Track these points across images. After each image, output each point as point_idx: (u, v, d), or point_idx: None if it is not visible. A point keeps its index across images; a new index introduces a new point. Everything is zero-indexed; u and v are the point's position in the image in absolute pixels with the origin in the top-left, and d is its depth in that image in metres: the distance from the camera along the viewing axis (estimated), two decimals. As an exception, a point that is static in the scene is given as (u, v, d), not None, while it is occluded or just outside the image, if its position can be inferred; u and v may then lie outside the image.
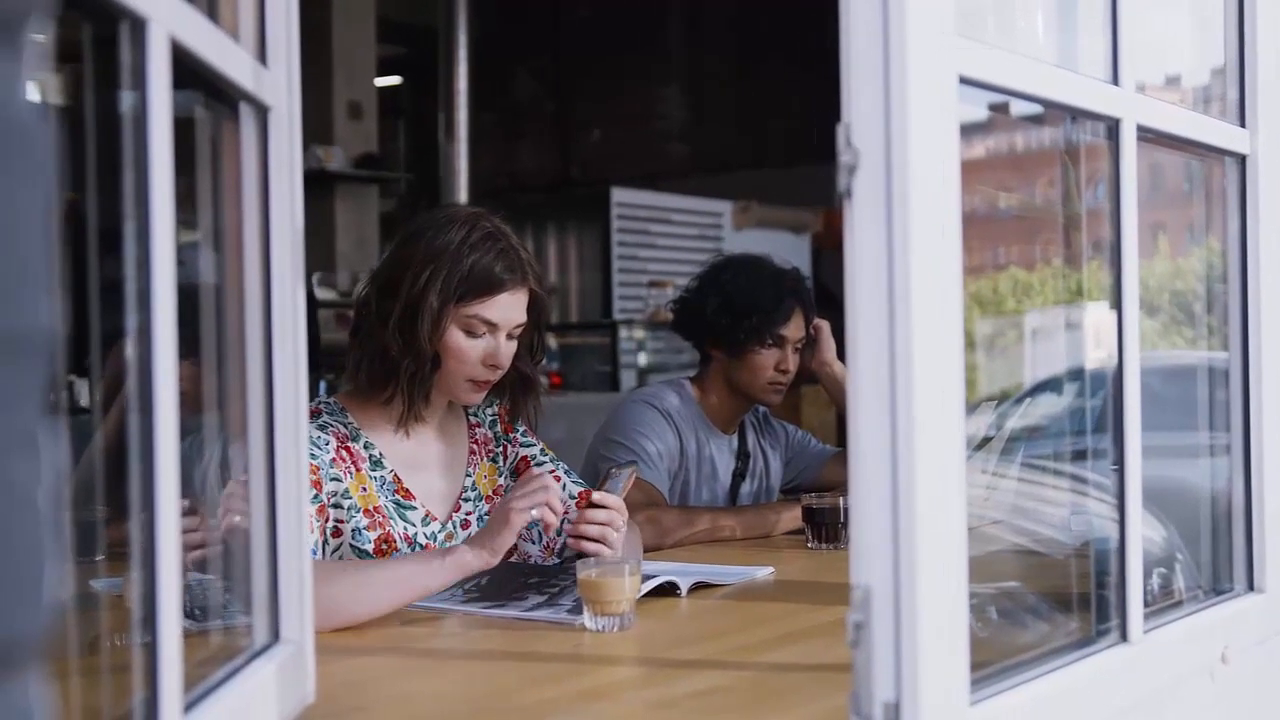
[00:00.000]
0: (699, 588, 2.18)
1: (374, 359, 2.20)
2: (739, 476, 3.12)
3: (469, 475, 2.34)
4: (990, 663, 1.33)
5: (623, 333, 7.37)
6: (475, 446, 2.38)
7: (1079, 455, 1.98)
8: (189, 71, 1.12)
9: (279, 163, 1.37)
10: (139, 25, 1.00)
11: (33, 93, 0.59)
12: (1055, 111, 1.59)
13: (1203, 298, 2.09)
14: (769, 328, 2.97)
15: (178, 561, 1.03)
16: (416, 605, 1.99)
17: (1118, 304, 1.52)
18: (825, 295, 5.47)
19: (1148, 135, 1.57)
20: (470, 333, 2.19)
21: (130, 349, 1.02)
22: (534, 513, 1.97)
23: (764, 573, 2.35)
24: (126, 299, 1.02)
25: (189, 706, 1.09)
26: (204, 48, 1.14)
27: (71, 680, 1.15)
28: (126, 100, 1.02)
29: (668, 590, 2.11)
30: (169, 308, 1.03)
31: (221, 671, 1.23)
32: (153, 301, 1.01)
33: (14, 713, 0.57)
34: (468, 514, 2.32)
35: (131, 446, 1.02)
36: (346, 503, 2.15)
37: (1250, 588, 1.81)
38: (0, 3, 0.56)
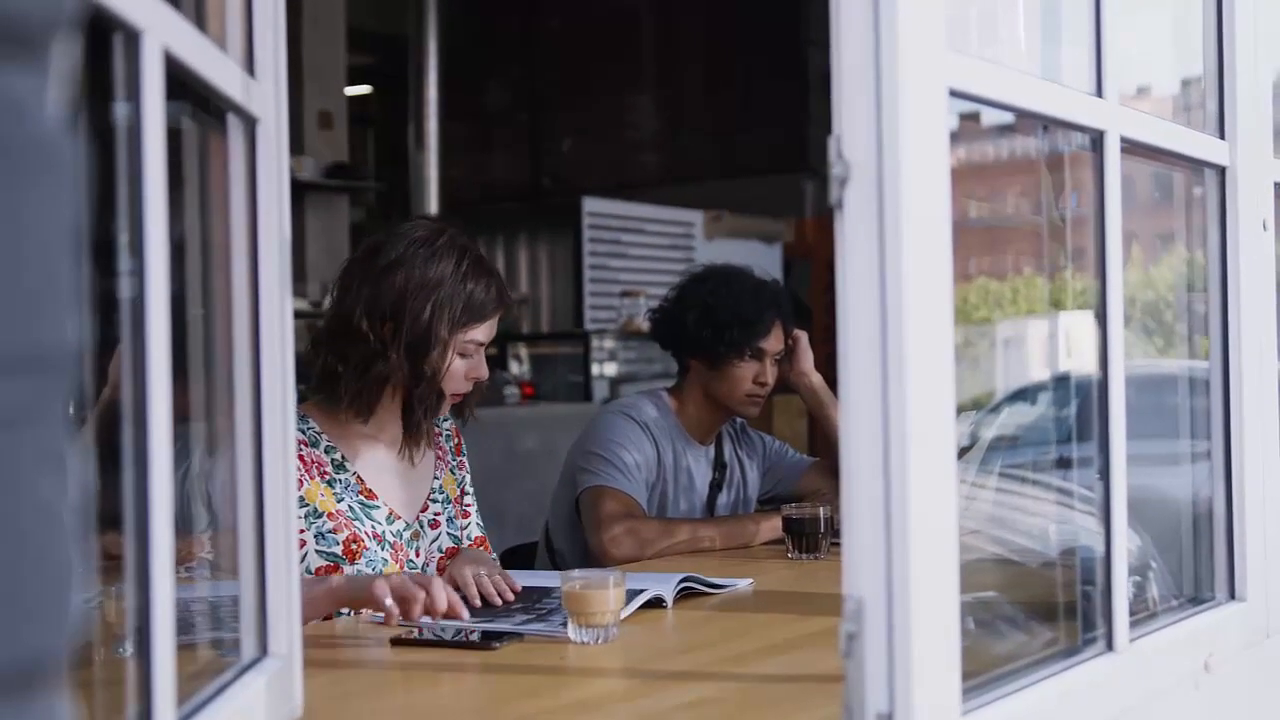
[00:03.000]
0: (685, 596, 2.18)
1: (375, 385, 2.25)
2: (716, 487, 3.12)
3: (437, 478, 2.43)
4: (980, 672, 1.33)
5: (595, 343, 7.35)
6: (440, 452, 2.46)
7: (1057, 464, 1.98)
8: (178, 82, 1.12)
9: (267, 174, 1.37)
10: (133, 37, 1.00)
11: (57, 108, 0.59)
12: (1028, 121, 1.60)
13: (1173, 307, 2.11)
14: (749, 340, 2.97)
15: (171, 576, 1.02)
16: (403, 622, 1.99)
17: (1102, 314, 1.53)
18: (796, 304, 5.48)
19: (1130, 146, 1.58)
20: (464, 355, 2.30)
21: (123, 361, 1.01)
22: (388, 602, 1.91)
23: (745, 584, 2.35)
24: (108, 308, 1.01)
25: (181, 722, 1.08)
26: (196, 59, 1.13)
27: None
28: (120, 111, 1.02)
29: (652, 602, 2.11)
30: (162, 318, 1.02)
31: (212, 686, 1.22)
32: (146, 312, 1.01)
33: None
34: (436, 514, 2.40)
35: (125, 460, 1.01)
36: (303, 509, 2.19)
37: (1231, 596, 1.82)
38: (26, 19, 0.56)
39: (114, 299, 1.01)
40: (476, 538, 2.47)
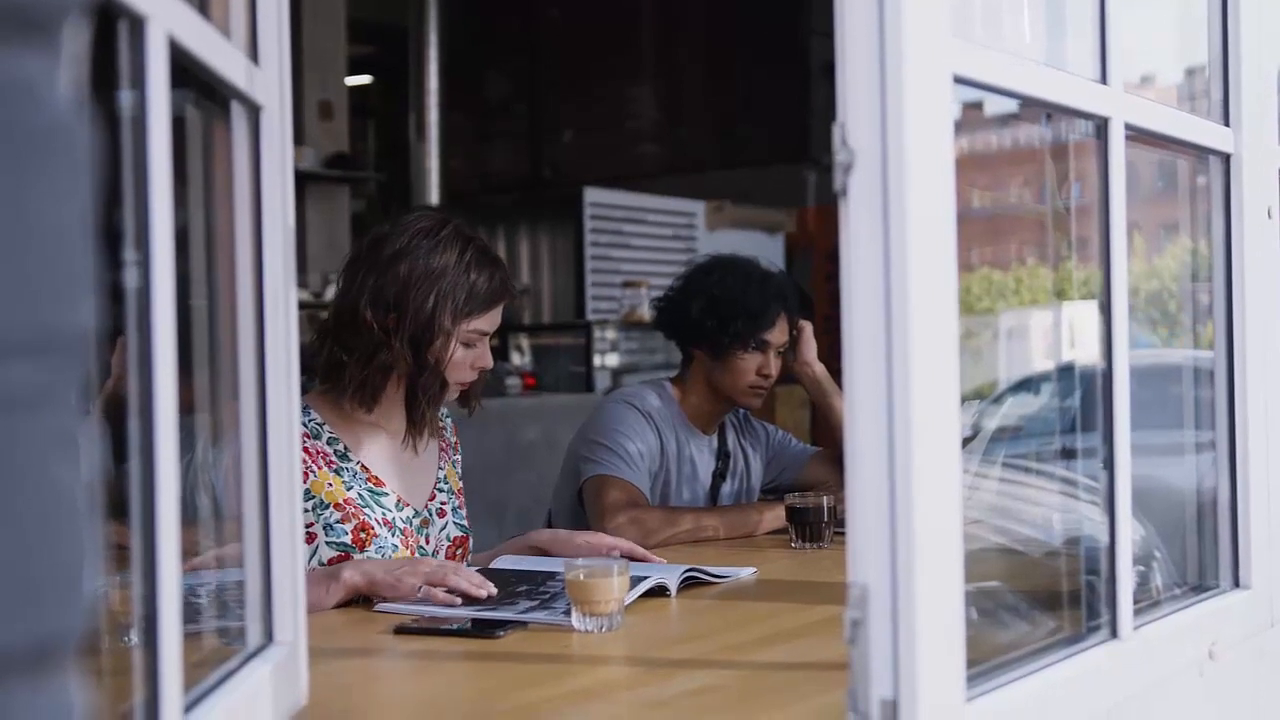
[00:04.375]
0: (688, 585, 2.19)
1: (379, 375, 2.27)
2: (719, 477, 3.12)
3: (441, 469, 2.45)
4: (985, 660, 1.34)
5: (596, 333, 7.35)
6: (444, 444, 2.49)
7: (1060, 454, 1.99)
8: (182, 70, 1.11)
9: (271, 162, 1.36)
10: (138, 24, 0.99)
11: (69, 91, 0.59)
12: (1031, 110, 1.60)
13: (1177, 296, 2.11)
14: (754, 332, 2.96)
15: (178, 564, 1.02)
16: (405, 610, 1.99)
17: (1107, 303, 1.53)
18: (800, 295, 5.47)
19: (1134, 134, 1.58)
20: (467, 345, 2.31)
21: (129, 351, 1.01)
22: (421, 591, 2.03)
23: (748, 572, 2.35)
24: (111, 298, 1.01)
25: (188, 708, 1.08)
26: (200, 46, 1.13)
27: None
28: (124, 98, 1.01)
29: (655, 591, 2.11)
30: (168, 308, 1.02)
31: (217, 673, 1.23)
32: (152, 302, 1.00)
33: (58, 709, 0.57)
34: (442, 504, 2.42)
35: (130, 450, 1.01)
36: (310, 502, 2.20)
37: (1236, 584, 1.82)
38: (38, 3, 0.56)
39: (119, 289, 1.01)
40: (456, 537, 2.47)
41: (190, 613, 1.36)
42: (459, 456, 2.54)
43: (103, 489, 1.03)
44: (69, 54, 0.60)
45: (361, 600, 2.11)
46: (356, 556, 2.21)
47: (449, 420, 2.54)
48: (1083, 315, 1.71)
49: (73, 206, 0.58)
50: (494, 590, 2.06)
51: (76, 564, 0.58)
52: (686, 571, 2.20)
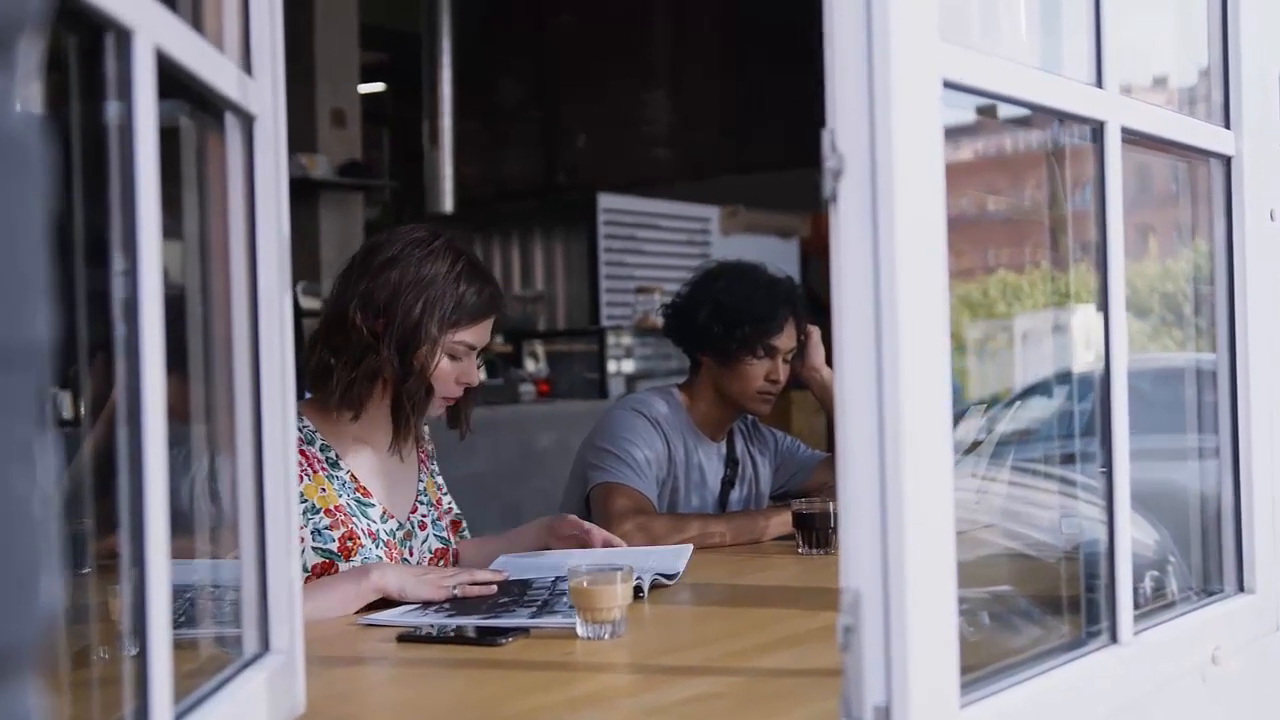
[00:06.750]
0: (654, 587, 2.21)
1: (366, 380, 2.28)
2: (728, 483, 3.12)
3: (421, 480, 2.47)
4: (981, 665, 1.33)
5: (610, 339, 7.35)
6: (423, 457, 2.51)
7: (1069, 458, 1.98)
8: (173, 81, 1.12)
9: (265, 172, 1.37)
10: (125, 36, 1.00)
11: (27, 104, 0.59)
12: (1042, 114, 1.60)
13: (1191, 299, 2.10)
14: (761, 338, 2.96)
15: (167, 573, 1.03)
16: (399, 622, 1.99)
17: (1104, 306, 1.53)
18: (813, 300, 5.47)
19: (1132, 137, 1.57)
20: (453, 357, 2.32)
21: (118, 361, 1.01)
22: (457, 591, 2.13)
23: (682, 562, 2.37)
24: (113, 310, 1.02)
25: (181, 716, 1.09)
26: (189, 58, 1.13)
27: (60, 692, 1.15)
28: (112, 110, 1.02)
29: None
30: (156, 319, 1.02)
31: (212, 682, 1.23)
32: (140, 313, 1.01)
33: (14, 717, 0.57)
34: (423, 516, 2.45)
35: (120, 459, 1.01)
36: (301, 506, 2.22)
37: (1240, 589, 1.81)
38: None
39: (108, 300, 1.02)
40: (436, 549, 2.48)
41: (187, 620, 1.37)
42: (436, 466, 2.56)
43: (109, 498, 1.04)
44: (26, 68, 0.60)
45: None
46: (342, 565, 2.22)
47: (425, 430, 2.55)
48: (1095, 318, 1.70)
49: (29, 221, 0.59)
50: (508, 575, 2.19)
51: (33, 574, 0.58)
52: (653, 575, 2.23)
